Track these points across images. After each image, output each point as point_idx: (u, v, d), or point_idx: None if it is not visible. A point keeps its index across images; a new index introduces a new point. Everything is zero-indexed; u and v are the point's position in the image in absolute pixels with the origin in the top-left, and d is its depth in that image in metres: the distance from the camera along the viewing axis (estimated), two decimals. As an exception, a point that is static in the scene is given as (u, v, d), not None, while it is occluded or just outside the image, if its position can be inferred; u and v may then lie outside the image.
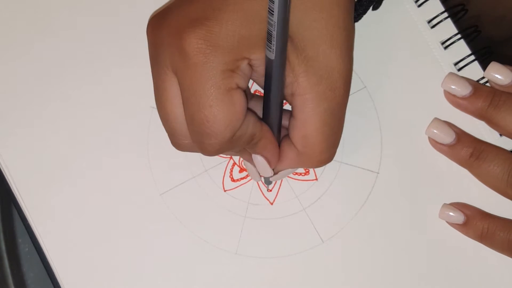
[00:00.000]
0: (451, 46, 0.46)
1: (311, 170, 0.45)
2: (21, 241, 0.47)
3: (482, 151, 0.44)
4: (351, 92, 0.43)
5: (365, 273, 0.44)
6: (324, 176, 0.45)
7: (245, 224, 0.45)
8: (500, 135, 0.45)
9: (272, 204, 0.45)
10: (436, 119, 0.45)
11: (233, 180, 0.45)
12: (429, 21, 0.46)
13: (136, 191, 0.45)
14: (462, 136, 0.44)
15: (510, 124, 0.43)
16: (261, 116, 0.41)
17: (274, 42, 0.35)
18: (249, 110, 0.39)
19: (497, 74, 0.44)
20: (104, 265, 0.44)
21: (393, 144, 0.45)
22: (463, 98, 0.44)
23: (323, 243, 0.45)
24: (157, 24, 0.38)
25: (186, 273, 0.44)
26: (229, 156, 0.46)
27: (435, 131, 0.44)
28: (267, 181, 0.45)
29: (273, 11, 0.34)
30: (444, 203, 0.44)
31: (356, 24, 0.45)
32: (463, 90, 0.44)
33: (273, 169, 0.42)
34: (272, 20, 0.34)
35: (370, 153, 0.45)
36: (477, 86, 0.44)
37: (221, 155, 0.45)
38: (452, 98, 0.45)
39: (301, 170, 0.45)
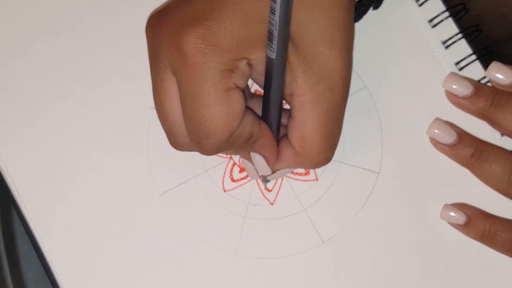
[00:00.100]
0: (452, 45, 0.45)
1: (311, 170, 0.45)
2: (20, 241, 0.47)
3: (483, 151, 0.43)
4: (351, 92, 0.43)
5: (365, 274, 0.44)
6: (325, 176, 0.45)
7: (245, 225, 0.45)
8: (502, 135, 0.45)
9: (272, 204, 0.45)
10: (437, 119, 0.45)
11: (233, 180, 0.45)
12: (430, 21, 0.46)
13: (136, 191, 0.45)
14: (463, 136, 0.44)
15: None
16: (260, 115, 0.41)
17: (275, 42, 0.35)
18: (247, 109, 0.38)
19: (499, 73, 0.43)
20: (103, 265, 0.44)
21: (393, 144, 0.45)
22: (464, 98, 0.44)
23: (324, 243, 0.44)
24: (156, 23, 0.38)
25: (186, 273, 0.44)
26: (229, 156, 0.45)
27: (436, 131, 0.44)
28: (265, 179, 0.45)
29: (274, 11, 0.34)
30: (445, 204, 0.44)
31: (356, 23, 0.45)
32: (464, 90, 0.44)
33: (271, 168, 0.42)
34: (273, 20, 0.34)
35: (371, 153, 0.45)
36: (478, 86, 0.44)
37: (220, 154, 0.45)
38: (453, 98, 0.45)
39: (301, 170, 0.45)
